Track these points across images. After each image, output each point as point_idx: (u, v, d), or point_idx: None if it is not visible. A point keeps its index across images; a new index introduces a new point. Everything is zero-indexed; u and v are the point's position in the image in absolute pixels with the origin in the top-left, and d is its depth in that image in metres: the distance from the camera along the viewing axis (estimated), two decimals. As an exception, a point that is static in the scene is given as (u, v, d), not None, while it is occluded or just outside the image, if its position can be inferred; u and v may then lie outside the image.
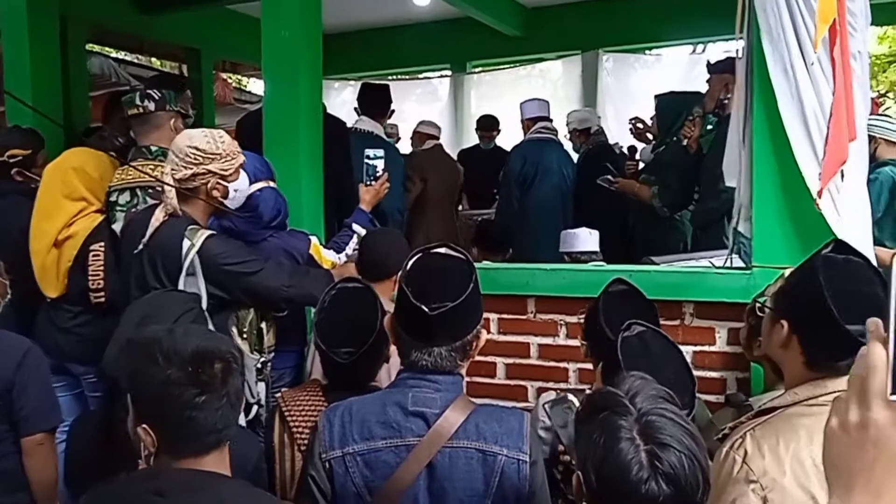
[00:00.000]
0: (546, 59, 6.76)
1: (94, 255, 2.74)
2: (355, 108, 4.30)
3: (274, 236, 2.60)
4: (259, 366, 2.40)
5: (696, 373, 1.84)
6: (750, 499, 1.41)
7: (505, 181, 4.66)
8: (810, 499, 1.40)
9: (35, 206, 2.82)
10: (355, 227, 2.91)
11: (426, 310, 1.48)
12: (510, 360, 2.82)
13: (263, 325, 2.43)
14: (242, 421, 2.30)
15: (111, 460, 1.37)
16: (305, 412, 1.93)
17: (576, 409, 1.91)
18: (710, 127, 4.02)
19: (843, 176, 2.15)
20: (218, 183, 2.33)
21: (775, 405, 1.56)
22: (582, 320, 2.16)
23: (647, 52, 6.69)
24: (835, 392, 1.50)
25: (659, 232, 4.02)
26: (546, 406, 2.03)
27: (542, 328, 2.77)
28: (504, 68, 7.12)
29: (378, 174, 3.06)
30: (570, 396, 2.04)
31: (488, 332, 1.64)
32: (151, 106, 2.82)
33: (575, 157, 4.93)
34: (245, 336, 2.39)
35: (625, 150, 4.89)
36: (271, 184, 2.59)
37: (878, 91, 11.05)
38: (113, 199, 2.72)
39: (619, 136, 5.17)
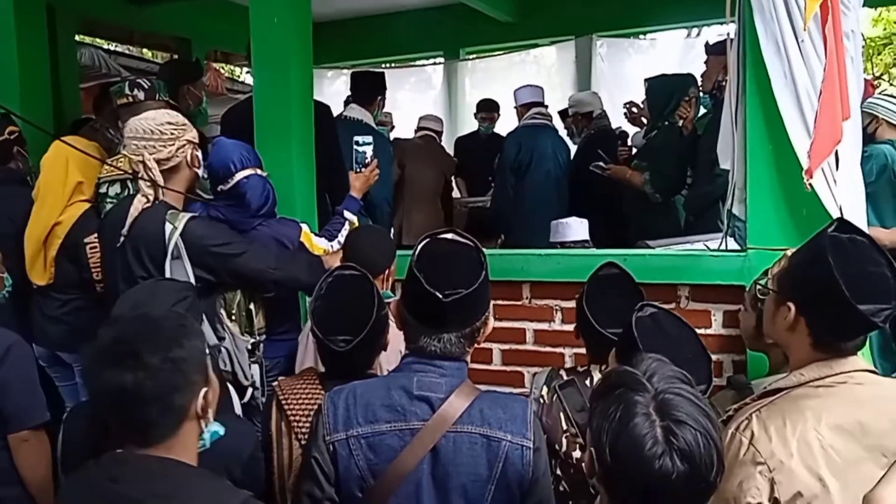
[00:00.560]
0: (540, 44, 6.73)
1: (91, 248, 2.72)
2: (348, 97, 4.28)
3: (263, 224, 2.59)
4: (250, 347, 2.41)
5: (692, 355, 1.84)
6: (757, 480, 1.42)
7: (500, 168, 4.65)
8: (818, 480, 1.41)
9: (35, 193, 2.81)
10: (346, 214, 2.92)
11: (440, 296, 1.48)
12: (506, 347, 2.82)
13: (252, 306, 2.43)
14: (237, 404, 2.30)
15: (106, 449, 1.37)
16: (302, 401, 1.92)
17: (589, 386, 1.93)
18: (704, 110, 4.02)
19: (837, 156, 2.15)
20: (194, 152, 2.38)
21: (780, 386, 1.56)
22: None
23: (641, 36, 6.66)
24: (841, 373, 1.50)
25: (655, 216, 4.01)
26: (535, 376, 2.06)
27: (538, 314, 2.77)
28: (498, 55, 7.09)
29: (367, 161, 3.06)
30: (561, 371, 2.06)
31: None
32: (141, 95, 2.80)
33: (569, 142, 4.91)
34: (234, 318, 2.39)
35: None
36: (258, 171, 2.58)
37: (873, 74, 11.03)
38: (103, 190, 2.71)
39: (614, 121, 5.15)
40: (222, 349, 2.35)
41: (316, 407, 1.67)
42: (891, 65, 11.67)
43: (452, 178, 5.42)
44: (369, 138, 3.16)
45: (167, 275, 2.30)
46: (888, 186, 3.68)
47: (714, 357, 2.53)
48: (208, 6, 5.40)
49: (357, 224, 2.96)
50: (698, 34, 7.50)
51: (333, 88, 7.19)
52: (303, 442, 1.83)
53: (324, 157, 3.03)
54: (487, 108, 5.85)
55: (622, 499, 1.20)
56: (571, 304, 2.58)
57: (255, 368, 2.46)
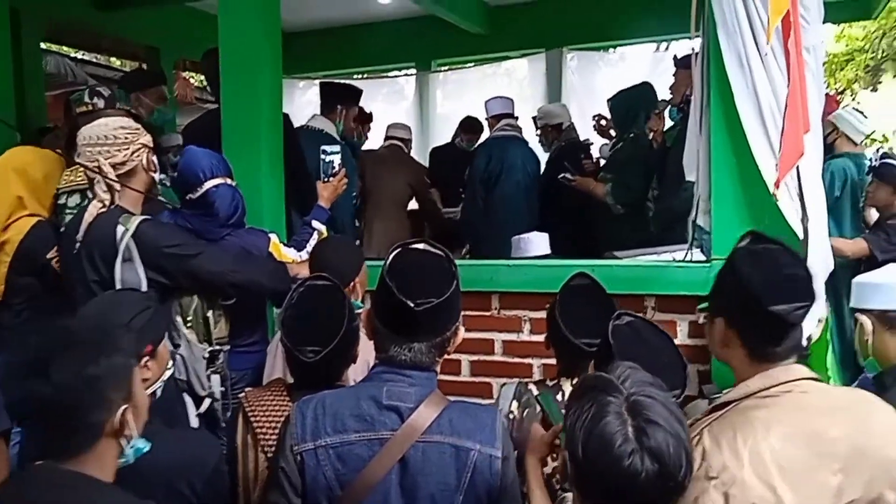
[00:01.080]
0: (511, 57, 6.78)
1: (56, 263, 2.66)
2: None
3: (232, 234, 2.56)
4: (207, 355, 2.36)
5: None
6: (711, 496, 1.42)
7: (470, 179, 4.67)
8: (771, 490, 1.42)
9: None
10: (315, 224, 2.89)
11: (411, 305, 1.48)
12: (475, 357, 2.82)
13: (210, 313, 2.39)
14: (193, 414, 2.27)
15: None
16: (270, 412, 1.90)
17: (560, 401, 1.94)
18: (672, 122, 4.08)
19: (798, 169, 2.19)
20: (149, 156, 2.34)
21: (728, 399, 1.58)
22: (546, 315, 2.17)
23: (610, 50, 6.74)
24: (786, 382, 1.53)
25: (621, 227, 4.07)
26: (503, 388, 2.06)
27: (507, 324, 2.78)
28: (470, 67, 7.13)
29: (335, 171, 3.04)
30: (530, 385, 2.06)
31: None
32: (101, 103, 2.77)
33: (541, 153, 4.95)
34: (190, 325, 2.35)
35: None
36: (228, 181, 2.56)
37: (835, 89, 11.30)
38: (62, 201, 2.64)
39: (584, 133, 5.21)
40: (177, 357, 2.30)
41: (283, 419, 1.65)
42: (853, 80, 11.97)
43: (426, 186, 5.39)
44: (337, 147, 3.14)
45: (117, 277, 2.23)
46: (849, 200, 3.78)
47: (681, 366, 2.59)
48: (178, 15, 5.36)
49: (326, 234, 2.94)
50: (666, 48, 7.61)
51: (305, 99, 7.16)
52: (269, 454, 1.81)
53: (288, 168, 3.03)
54: (472, 130, 5.84)
55: (594, 500, 1.21)
56: (540, 314, 2.59)
57: (216, 379, 2.40)
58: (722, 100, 2.37)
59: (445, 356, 1.62)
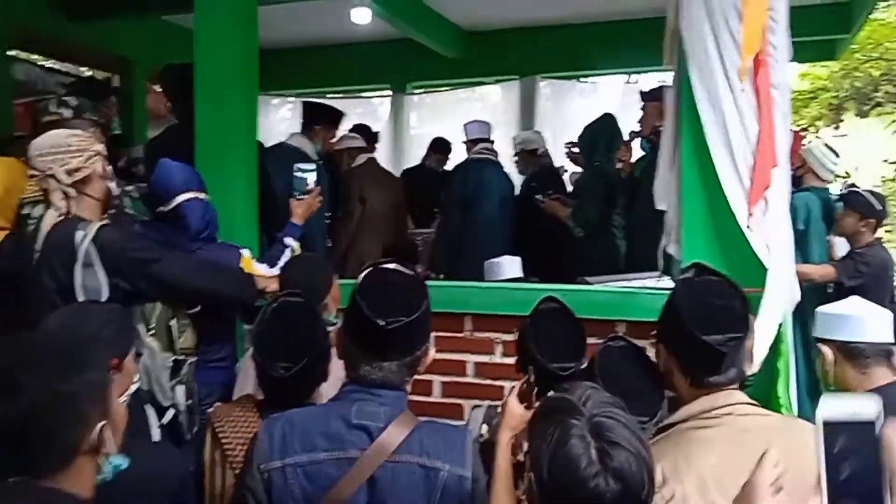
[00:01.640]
0: (485, 83, 6.87)
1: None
2: None
3: (202, 249, 2.54)
4: (170, 364, 2.32)
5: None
6: None
7: (446, 201, 4.70)
8: None
9: None
10: (287, 240, 2.88)
11: (382, 323, 1.48)
12: (447, 378, 2.82)
13: (174, 322, 2.36)
14: (155, 426, 2.22)
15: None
16: (239, 429, 1.87)
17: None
18: (643, 152, 4.18)
19: (766, 201, 2.25)
20: (104, 164, 2.30)
21: (671, 421, 1.63)
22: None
23: (583, 79, 6.87)
24: (726, 405, 1.57)
25: (591, 252, 4.17)
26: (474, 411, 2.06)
27: (479, 346, 2.79)
28: (444, 91, 7.19)
29: (309, 188, 3.04)
30: (499, 408, 2.06)
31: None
32: (67, 113, 2.73)
33: (516, 178, 5.01)
34: (153, 333, 2.31)
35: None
36: (200, 196, 2.54)
37: (800, 126, 11.61)
38: (25, 211, 2.59)
39: (556, 160, 5.29)
40: (139, 365, 2.25)
41: (252, 436, 1.63)
42: (816, 118, 12.32)
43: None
44: (311, 165, 3.15)
45: (77, 283, 2.18)
46: (814, 233, 3.87)
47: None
48: (151, 27, 5.33)
49: (299, 251, 2.93)
50: (637, 80, 7.81)
51: (279, 116, 7.16)
52: (238, 472, 1.79)
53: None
54: (442, 150, 5.88)
55: None
56: (512, 336, 2.60)
57: (180, 389, 2.37)
58: (693, 132, 2.42)
59: (417, 376, 1.62)
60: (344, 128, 4.80)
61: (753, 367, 1.90)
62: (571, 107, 6.50)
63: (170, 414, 2.32)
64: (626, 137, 4.41)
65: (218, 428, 1.89)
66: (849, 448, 0.73)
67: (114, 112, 4.02)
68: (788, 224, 2.40)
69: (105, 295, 2.17)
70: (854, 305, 2.18)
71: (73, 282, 2.18)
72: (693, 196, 2.47)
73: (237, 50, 2.92)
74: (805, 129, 11.71)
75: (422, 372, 1.63)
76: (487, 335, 2.78)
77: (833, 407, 0.73)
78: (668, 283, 2.63)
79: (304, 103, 4.41)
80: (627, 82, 7.85)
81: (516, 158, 5.05)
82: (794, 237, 2.46)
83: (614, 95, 6.60)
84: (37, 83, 5.44)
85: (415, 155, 6.55)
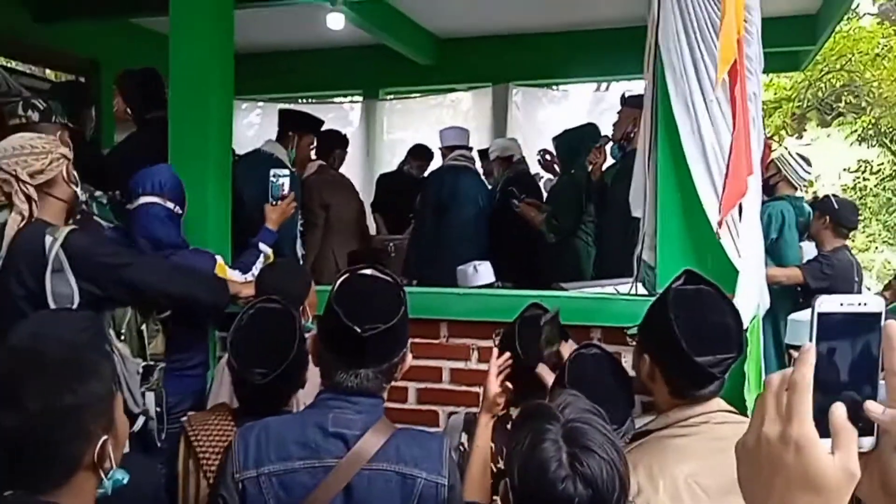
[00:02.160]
0: (457, 89, 6.88)
1: None
2: None
3: (175, 255, 2.51)
4: (141, 370, 2.28)
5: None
6: None
7: (421, 207, 4.69)
8: None
9: None
10: (261, 246, 2.86)
11: (358, 331, 1.47)
12: (422, 385, 2.81)
13: (145, 327, 2.32)
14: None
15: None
16: (213, 437, 1.85)
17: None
18: (613, 160, 4.21)
19: (741, 208, 2.29)
20: (69, 168, 2.25)
21: (649, 429, 1.63)
22: (497, 343, 2.18)
23: (554, 87, 6.93)
24: (703, 413, 1.58)
25: (564, 257, 4.19)
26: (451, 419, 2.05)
27: (454, 352, 2.78)
28: (416, 97, 7.19)
29: (284, 193, 3.02)
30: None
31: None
32: (35, 116, 2.67)
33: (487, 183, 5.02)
34: (124, 338, 2.27)
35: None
36: (167, 203, 2.56)
37: (765, 134, 11.85)
38: None
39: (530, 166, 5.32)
40: None
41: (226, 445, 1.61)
42: (780, 127, 12.57)
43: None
44: (286, 171, 3.14)
45: (48, 288, 2.12)
46: (787, 241, 3.95)
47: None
48: (119, 30, 5.24)
49: (272, 257, 2.90)
50: (607, 88, 7.91)
51: (247, 121, 7.09)
52: (211, 480, 1.75)
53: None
54: (422, 157, 5.86)
55: None
56: (488, 343, 2.61)
57: (150, 396, 2.32)
58: (669, 140, 2.45)
59: (392, 383, 1.61)
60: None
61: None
62: (542, 114, 6.55)
63: (140, 421, 2.28)
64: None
65: (192, 436, 1.86)
66: (845, 340, 0.69)
67: (91, 119, 3.93)
68: (759, 230, 2.44)
69: (76, 301, 2.12)
70: (825, 312, 2.21)
71: (44, 288, 2.13)
72: (668, 203, 2.50)
73: (213, 54, 2.88)
74: (770, 138, 11.97)
75: (399, 379, 1.61)
76: (463, 341, 2.77)
77: (834, 300, 0.69)
78: (641, 289, 2.65)
79: (282, 110, 4.37)
80: (597, 90, 7.94)
81: (485, 164, 5.06)
82: (768, 244, 2.49)
83: (584, 103, 6.66)
84: (1, 85, 5.31)
85: (386, 160, 6.53)
